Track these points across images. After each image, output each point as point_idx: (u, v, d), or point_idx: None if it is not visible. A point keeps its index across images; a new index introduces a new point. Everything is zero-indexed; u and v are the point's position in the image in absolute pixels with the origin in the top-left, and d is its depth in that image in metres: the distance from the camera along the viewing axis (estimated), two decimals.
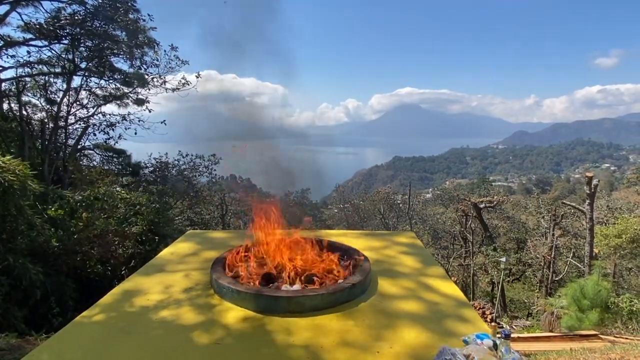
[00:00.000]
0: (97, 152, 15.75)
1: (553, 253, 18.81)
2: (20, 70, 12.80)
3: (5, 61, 12.32)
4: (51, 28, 12.27)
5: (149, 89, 14.98)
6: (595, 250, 15.75)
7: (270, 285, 3.49)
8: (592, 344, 7.44)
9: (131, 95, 15.04)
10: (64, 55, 13.34)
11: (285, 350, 2.54)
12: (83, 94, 14.44)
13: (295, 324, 2.85)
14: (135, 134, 15.07)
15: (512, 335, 9.00)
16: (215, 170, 18.14)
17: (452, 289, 3.51)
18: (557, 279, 18.85)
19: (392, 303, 3.21)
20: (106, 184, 12.39)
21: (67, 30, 12.73)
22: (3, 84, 12.56)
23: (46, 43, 12.78)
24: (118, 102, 15.02)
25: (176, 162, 16.89)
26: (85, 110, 14.60)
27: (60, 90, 13.85)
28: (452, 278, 16.65)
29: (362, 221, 25.40)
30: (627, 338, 8.17)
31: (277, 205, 4.34)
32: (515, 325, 14.97)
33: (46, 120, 13.49)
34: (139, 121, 15.00)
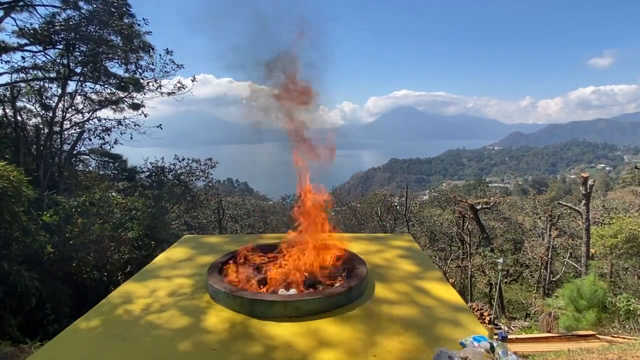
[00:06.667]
0: (93, 157, 15.69)
1: (550, 253, 18.84)
2: (14, 75, 12.74)
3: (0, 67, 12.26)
4: (46, 33, 12.22)
5: (145, 93, 14.96)
6: (592, 251, 15.81)
7: (267, 289, 3.48)
8: (589, 344, 7.45)
9: (127, 99, 15.01)
10: (58, 60, 13.29)
11: (281, 355, 2.52)
12: (78, 99, 14.41)
13: (292, 328, 2.84)
14: (131, 138, 15.02)
15: (511, 336, 9.01)
16: (211, 174, 18.12)
17: (449, 292, 3.50)
18: (554, 279, 18.88)
19: (389, 307, 3.20)
20: (102, 189, 12.31)
21: (62, 35, 12.69)
22: None
23: (41, 48, 12.72)
24: (113, 106, 14.98)
25: (172, 166, 16.84)
26: (80, 115, 14.56)
27: (55, 95, 13.80)
28: (450, 280, 16.65)
29: (360, 224, 25.37)
30: (624, 338, 8.19)
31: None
32: (514, 326, 14.97)
33: (41, 126, 13.43)
34: (134, 125, 14.97)
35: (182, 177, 17.02)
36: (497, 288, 17.35)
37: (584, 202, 14.97)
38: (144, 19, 13.56)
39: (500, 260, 16.99)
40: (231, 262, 3.94)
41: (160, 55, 14.30)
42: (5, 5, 11.52)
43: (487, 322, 12.65)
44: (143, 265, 4.39)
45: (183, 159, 17.17)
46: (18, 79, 12.96)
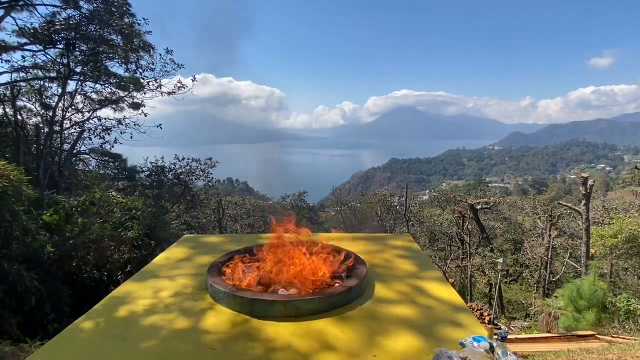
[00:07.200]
0: (93, 156, 15.72)
1: (550, 254, 18.85)
2: (15, 75, 12.78)
3: (0, 66, 12.28)
4: (46, 33, 12.25)
5: (145, 93, 14.99)
6: (592, 251, 15.81)
7: (267, 289, 3.48)
8: (589, 344, 7.46)
9: (127, 99, 15.04)
10: (59, 60, 13.31)
11: (281, 355, 2.53)
12: (78, 98, 14.46)
13: (292, 328, 2.84)
14: (132, 138, 15.05)
15: (510, 337, 9.02)
16: (212, 174, 18.12)
17: (449, 292, 3.50)
18: (554, 279, 18.89)
19: (389, 307, 3.20)
20: (102, 188, 12.34)
21: (62, 35, 12.71)
22: None
23: (41, 48, 12.75)
24: (114, 106, 15.02)
25: (172, 166, 16.85)
26: (80, 114, 14.60)
27: (55, 95, 13.84)
28: (450, 280, 16.65)
29: (360, 224, 25.38)
30: (624, 338, 8.19)
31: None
32: (514, 327, 14.98)
33: (41, 125, 13.46)
34: (134, 125, 14.99)
35: (182, 176, 17.03)
36: (497, 288, 17.36)
37: (584, 202, 14.97)
38: (144, 19, 13.59)
39: (500, 260, 17.00)
40: (232, 262, 3.94)
41: (160, 55, 14.34)
42: (5, 5, 11.53)
43: (487, 322, 12.66)
44: (143, 265, 4.39)
45: (183, 159, 17.18)
46: (18, 79, 13.00)
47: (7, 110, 12.57)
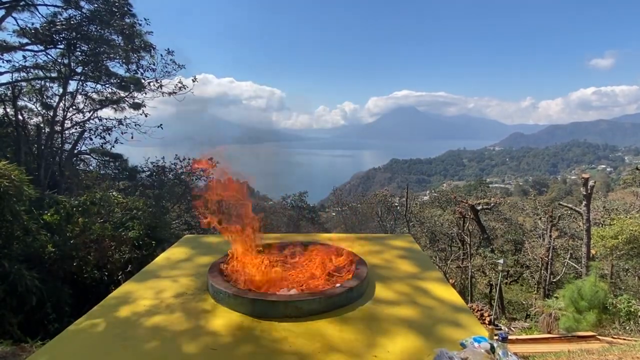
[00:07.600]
0: (94, 156, 15.73)
1: (550, 254, 18.84)
2: (16, 75, 12.79)
3: (1, 66, 12.30)
4: (47, 33, 12.27)
5: (145, 93, 15.00)
6: (592, 252, 15.80)
7: (268, 289, 3.48)
8: (590, 345, 7.45)
9: (127, 99, 15.05)
10: (60, 60, 13.33)
11: (281, 356, 2.53)
12: (79, 98, 14.47)
13: (292, 329, 2.84)
14: (132, 138, 15.06)
15: (511, 337, 9.01)
16: (212, 173, 18.07)
17: (449, 293, 3.50)
18: (554, 280, 18.88)
19: (389, 308, 3.20)
20: (102, 188, 12.33)
21: (63, 35, 12.74)
22: None
23: (42, 48, 12.77)
24: (114, 106, 15.03)
25: (173, 166, 16.83)
26: (81, 114, 14.61)
27: (56, 94, 13.86)
28: (450, 280, 16.63)
29: (360, 224, 25.37)
30: (624, 339, 8.18)
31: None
32: (514, 327, 14.96)
33: (42, 125, 13.47)
34: (135, 125, 15.00)
35: (182, 176, 17.01)
36: (498, 289, 17.34)
37: (584, 203, 14.96)
38: (145, 19, 13.60)
39: (501, 261, 16.98)
40: (232, 261, 3.94)
41: (161, 55, 14.34)
42: (6, 5, 11.55)
43: (487, 322, 12.65)
44: (144, 265, 4.39)
45: (184, 159, 17.16)
46: (19, 78, 13.02)
47: (8, 110, 12.58)
